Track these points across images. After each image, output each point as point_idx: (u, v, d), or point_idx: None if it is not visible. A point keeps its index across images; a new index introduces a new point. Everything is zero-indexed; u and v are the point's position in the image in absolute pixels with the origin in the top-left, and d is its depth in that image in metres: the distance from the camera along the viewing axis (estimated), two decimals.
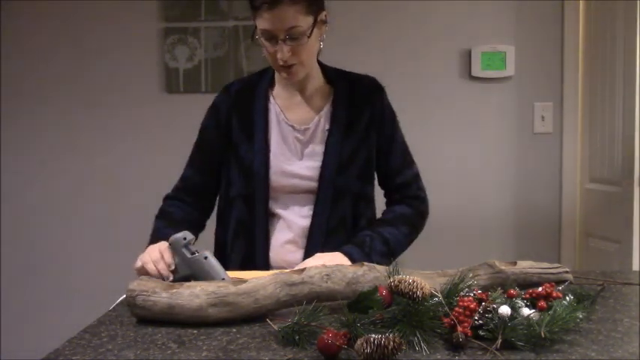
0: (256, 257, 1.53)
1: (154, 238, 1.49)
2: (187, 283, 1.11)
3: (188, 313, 1.06)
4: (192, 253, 1.27)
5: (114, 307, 1.22)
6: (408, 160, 1.63)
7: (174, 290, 1.08)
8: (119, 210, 2.92)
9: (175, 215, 1.59)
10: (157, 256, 1.32)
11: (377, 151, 1.58)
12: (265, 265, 1.52)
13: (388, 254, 1.48)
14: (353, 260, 1.40)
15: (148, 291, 1.09)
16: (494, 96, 2.83)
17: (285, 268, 1.41)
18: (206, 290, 1.07)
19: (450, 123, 2.84)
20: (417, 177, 1.64)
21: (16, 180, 2.97)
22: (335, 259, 1.39)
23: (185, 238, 1.28)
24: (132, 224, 2.91)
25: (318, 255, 1.43)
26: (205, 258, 1.25)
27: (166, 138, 2.89)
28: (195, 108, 3.07)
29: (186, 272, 1.27)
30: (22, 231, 2.97)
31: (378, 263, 1.39)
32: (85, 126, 2.93)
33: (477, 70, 2.80)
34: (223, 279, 1.23)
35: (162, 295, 1.07)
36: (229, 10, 2.84)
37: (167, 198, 1.67)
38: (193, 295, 1.07)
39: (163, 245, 1.35)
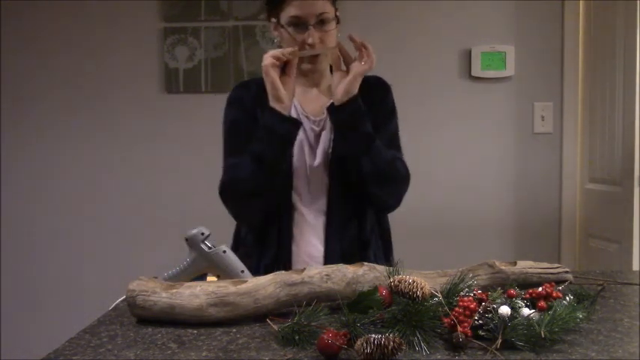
0: (280, 251, 1.53)
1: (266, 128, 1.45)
2: (187, 283, 1.11)
3: (188, 313, 1.06)
4: (210, 248, 1.28)
5: (114, 307, 1.22)
6: (397, 145, 1.61)
7: (175, 290, 1.08)
8: (119, 210, 2.93)
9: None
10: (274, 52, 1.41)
11: None
12: (288, 259, 1.52)
13: (367, 145, 1.47)
14: (357, 104, 1.44)
15: (148, 291, 1.09)
16: (494, 96, 2.83)
17: (308, 263, 1.42)
18: (206, 290, 1.07)
19: (450, 123, 2.84)
20: (403, 160, 1.59)
21: (16, 179, 2.97)
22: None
23: (203, 233, 1.28)
24: (132, 224, 2.92)
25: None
26: (224, 252, 1.27)
27: (166, 138, 2.90)
28: (195, 108, 3.08)
29: (203, 267, 1.28)
30: (23, 231, 2.97)
31: (358, 138, 1.45)
32: (85, 126, 2.93)
33: (477, 70, 2.80)
34: (242, 271, 1.25)
35: (162, 295, 1.07)
36: (229, 10, 2.84)
37: (222, 190, 1.56)
38: (193, 295, 1.07)
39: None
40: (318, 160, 1.55)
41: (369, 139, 1.47)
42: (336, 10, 1.51)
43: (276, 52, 1.42)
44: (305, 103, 1.60)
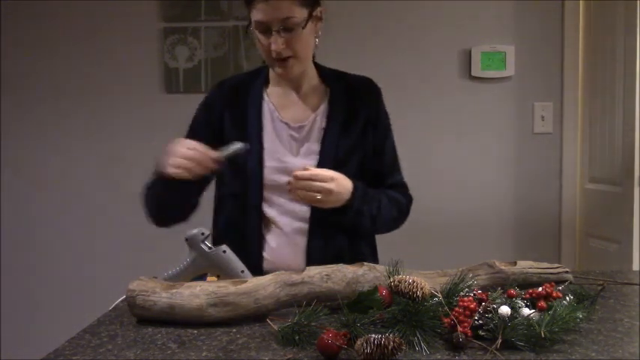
0: (249, 261, 1.50)
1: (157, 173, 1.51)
2: (187, 283, 1.11)
3: (188, 313, 1.06)
4: (210, 248, 1.28)
5: (114, 307, 1.22)
6: (398, 165, 1.63)
7: (175, 290, 1.08)
8: (119, 210, 2.92)
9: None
10: (186, 148, 1.42)
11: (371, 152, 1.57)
12: (259, 269, 1.48)
13: (372, 219, 1.50)
14: (352, 196, 1.42)
15: (147, 291, 1.09)
16: (494, 96, 2.83)
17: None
18: (206, 290, 1.07)
19: (450, 123, 2.84)
20: (405, 184, 1.64)
21: (16, 179, 2.97)
22: (343, 182, 1.41)
23: (203, 233, 1.28)
24: (131, 224, 2.91)
25: (331, 171, 1.42)
26: (224, 252, 1.27)
27: (166, 138, 2.88)
28: (195, 108, 3.07)
29: (203, 267, 1.28)
30: (22, 231, 2.97)
31: (358, 216, 1.45)
32: (85, 126, 2.93)
33: (476, 70, 2.80)
34: (242, 271, 1.25)
35: (162, 295, 1.08)
36: (229, 10, 2.84)
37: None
38: (193, 295, 1.07)
39: (179, 141, 1.45)
40: (301, 169, 1.46)
41: (371, 219, 1.50)
42: (312, 10, 1.43)
43: (183, 162, 1.42)
44: (284, 108, 1.54)
